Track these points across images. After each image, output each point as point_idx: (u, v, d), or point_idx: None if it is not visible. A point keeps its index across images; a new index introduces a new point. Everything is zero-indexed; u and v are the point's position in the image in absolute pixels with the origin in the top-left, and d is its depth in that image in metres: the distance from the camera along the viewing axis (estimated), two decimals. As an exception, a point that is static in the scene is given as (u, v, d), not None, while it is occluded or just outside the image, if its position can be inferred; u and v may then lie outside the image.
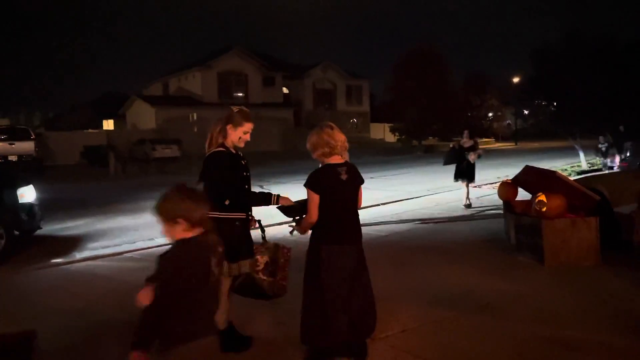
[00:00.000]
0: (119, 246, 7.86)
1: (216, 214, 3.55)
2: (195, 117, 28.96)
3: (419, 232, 8.08)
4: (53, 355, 3.77)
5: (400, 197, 12.13)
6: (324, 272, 3.39)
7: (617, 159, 15.48)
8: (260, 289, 3.66)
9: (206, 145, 3.69)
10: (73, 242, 8.31)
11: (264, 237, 3.79)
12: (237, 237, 3.57)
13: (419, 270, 5.81)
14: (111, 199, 14.19)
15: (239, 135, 3.64)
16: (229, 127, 3.63)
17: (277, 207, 3.70)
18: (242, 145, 3.70)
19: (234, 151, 3.69)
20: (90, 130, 36.85)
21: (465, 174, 10.12)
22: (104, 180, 21.62)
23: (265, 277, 3.63)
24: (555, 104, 22.86)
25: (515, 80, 41.97)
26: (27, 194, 7.67)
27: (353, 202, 3.51)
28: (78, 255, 7.38)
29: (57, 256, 7.27)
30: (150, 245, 7.66)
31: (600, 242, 5.70)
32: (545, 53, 21.43)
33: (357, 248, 3.49)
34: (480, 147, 10.55)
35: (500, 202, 7.45)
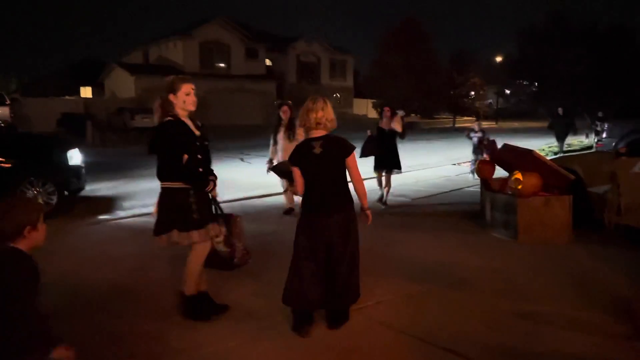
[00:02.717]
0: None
1: (175, 185, 3.53)
2: (175, 87, 28.42)
3: (396, 208, 8.15)
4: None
5: (381, 172, 12.18)
6: (300, 238, 3.59)
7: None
8: (223, 260, 3.83)
9: (155, 120, 3.65)
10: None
11: (217, 208, 3.79)
12: (202, 203, 3.62)
13: (395, 245, 5.88)
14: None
15: (182, 99, 3.60)
16: (170, 96, 3.60)
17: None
18: (193, 108, 3.65)
19: (188, 121, 3.65)
20: (67, 97, 35.99)
21: (389, 160, 8.02)
22: (84, 148, 21.25)
23: (225, 249, 3.80)
24: (536, 84, 23.05)
25: (498, 59, 42.08)
26: (75, 157, 8.30)
27: (329, 174, 3.56)
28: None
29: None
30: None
31: (573, 221, 5.83)
32: (529, 34, 21.51)
33: (335, 220, 3.54)
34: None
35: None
